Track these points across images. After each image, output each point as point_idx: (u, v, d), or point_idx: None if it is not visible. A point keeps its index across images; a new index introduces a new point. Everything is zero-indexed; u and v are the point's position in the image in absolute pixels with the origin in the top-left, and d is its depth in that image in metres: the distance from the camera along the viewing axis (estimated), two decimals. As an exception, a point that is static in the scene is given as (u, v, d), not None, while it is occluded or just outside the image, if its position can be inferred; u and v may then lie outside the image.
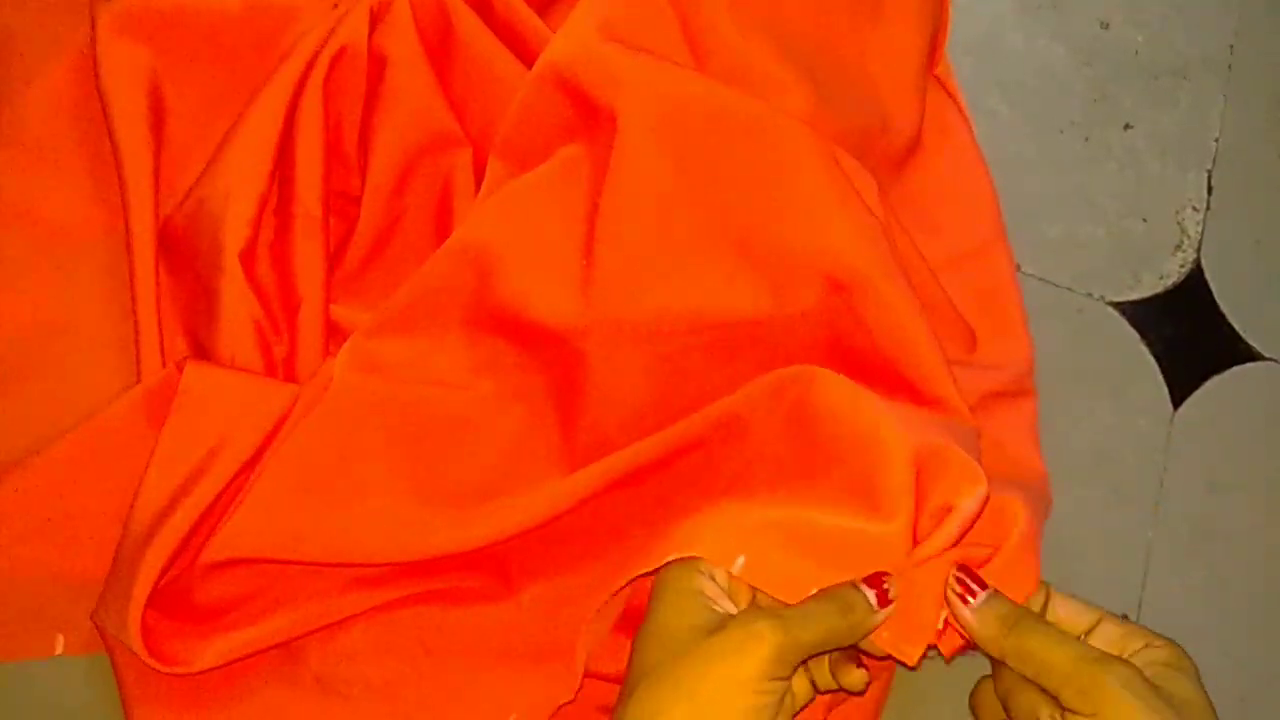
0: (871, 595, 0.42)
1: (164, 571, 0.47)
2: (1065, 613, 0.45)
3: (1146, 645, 0.42)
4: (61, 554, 0.49)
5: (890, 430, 0.44)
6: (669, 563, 0.44)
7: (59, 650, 0.49)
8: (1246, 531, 0.57)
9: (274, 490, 0.48)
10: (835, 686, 0.45)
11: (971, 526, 0.44)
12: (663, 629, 0.41)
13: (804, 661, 0.43)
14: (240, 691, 0.48)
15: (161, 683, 0.47)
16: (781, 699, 0.40)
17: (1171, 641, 0.42)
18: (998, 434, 0.53)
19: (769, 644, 0.39)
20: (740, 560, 0.43)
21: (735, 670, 0.39)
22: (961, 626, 0.43)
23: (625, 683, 0.41)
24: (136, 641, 0.45)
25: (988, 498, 0.44)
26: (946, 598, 0.43)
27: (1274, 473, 0.58)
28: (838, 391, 0.46)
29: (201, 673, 0.47)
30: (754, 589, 0.44)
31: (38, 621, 0.49)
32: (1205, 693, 0.40)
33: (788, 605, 0.43)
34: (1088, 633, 0.44)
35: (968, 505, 0.43)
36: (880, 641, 0.44)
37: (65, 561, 0.49)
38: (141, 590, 0.46)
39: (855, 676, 0.44)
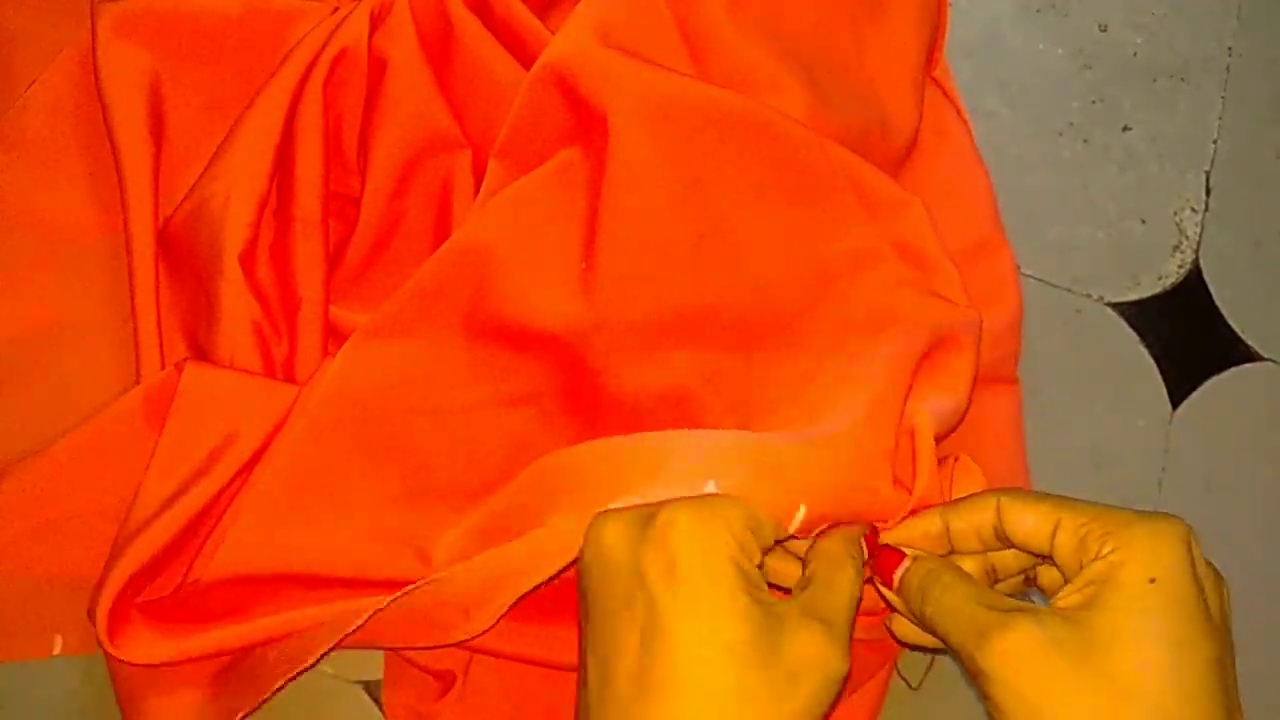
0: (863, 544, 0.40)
1: (153, 562, 0.46)
2: (1024, 527, 0.40)
3: (1097, 556, 0.37)
4: (61, 554, 0.49)
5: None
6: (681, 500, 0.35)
7: (57, 650, 0.49)
8: (1246, 531, 0.57)
9: (271, 500, 0.48)
10: None
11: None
12: (699, 644, 0.34)
13: None
14: (239, 676, 0.48)
15: (155, 672, 0.47)
16: None
17: (1140, 534, 0.36)
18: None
19: (841, 674, 0.36)
20: (801, 512, 0.35)
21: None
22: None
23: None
24: (101, 623, 0.45)
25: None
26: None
27: (1273, 473, 0.58)
28: None
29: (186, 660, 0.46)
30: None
31: (36, 622, 0.49)
32: (1152, 606, 0.35)
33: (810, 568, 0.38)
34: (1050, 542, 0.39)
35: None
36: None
37: (64, 562, 0.49)
38: (120, 573, 0.45)
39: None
